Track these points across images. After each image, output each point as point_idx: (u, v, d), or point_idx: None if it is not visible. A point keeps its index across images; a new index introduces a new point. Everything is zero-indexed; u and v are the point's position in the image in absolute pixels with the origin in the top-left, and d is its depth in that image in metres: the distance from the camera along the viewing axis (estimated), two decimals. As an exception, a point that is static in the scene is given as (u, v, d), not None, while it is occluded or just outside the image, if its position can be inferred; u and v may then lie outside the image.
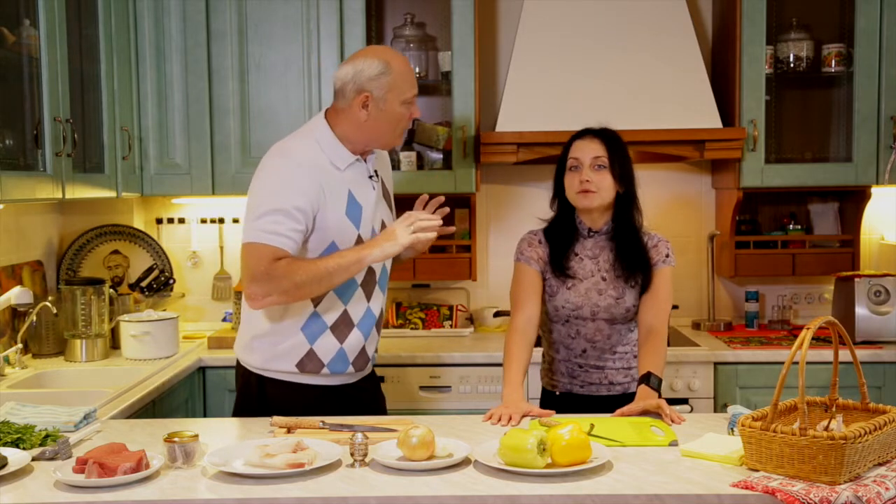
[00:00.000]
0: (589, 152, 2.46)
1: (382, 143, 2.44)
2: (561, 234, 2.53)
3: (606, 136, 2.49)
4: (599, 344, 2.52)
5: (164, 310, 3.50)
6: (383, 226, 2.46)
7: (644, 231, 2.53)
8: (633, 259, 2.48)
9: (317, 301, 2.39)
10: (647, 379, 2.34)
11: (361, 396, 2.53)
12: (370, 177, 2.45)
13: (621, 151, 2.49)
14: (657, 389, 2.34)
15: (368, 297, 2.45)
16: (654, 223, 2.54)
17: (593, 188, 2.45)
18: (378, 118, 2.36)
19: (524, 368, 2.45)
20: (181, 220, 3.89)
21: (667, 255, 2.51)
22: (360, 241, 2.37)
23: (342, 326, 2.42)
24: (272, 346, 2.42)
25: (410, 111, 2.40)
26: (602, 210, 2.49)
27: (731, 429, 2.09)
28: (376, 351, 2.60)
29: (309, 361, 2.42)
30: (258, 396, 2.46)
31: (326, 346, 2.41)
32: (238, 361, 2.53)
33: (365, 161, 2.44)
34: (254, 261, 2.27)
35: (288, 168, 2.33)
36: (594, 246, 2.51)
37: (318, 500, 1.74)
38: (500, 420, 2.25)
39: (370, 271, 2.44)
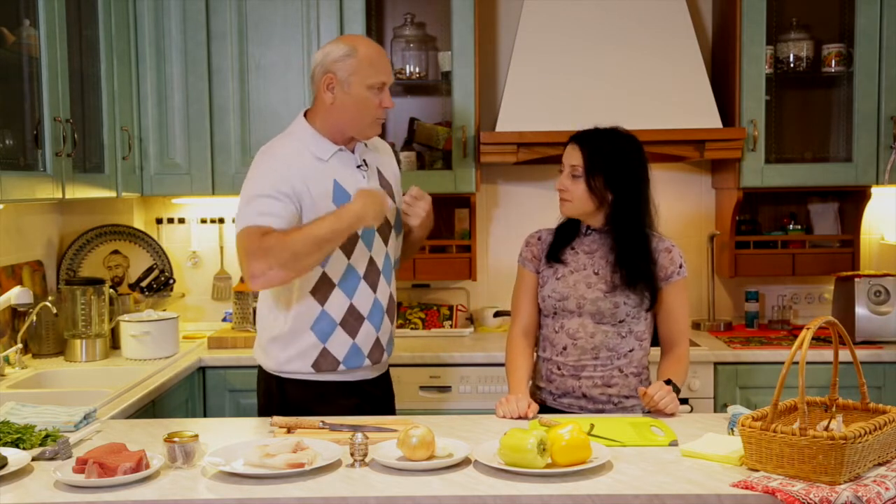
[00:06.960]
0: (569, 159, 2.41)
1: (355, 130, 2.43)
2: (564, 230, 2.51)
3: (590, 143, 2.39)
4: (581, 342, 2.40)
5: (164, 310, 3.50)
6: None
7: (655, 235, 2.44)
8: (633, 263, 2.37)
9: (322, 298, 2.40)
10: (667, 382, 2.32)
11: (377, 393, 2.55)
12: (358, 166, 2.45)
13: (609, 157, 2.38)
14: (676, 392, 2.32)
15: (374, 289, 2.45)
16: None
17: (567, 196, 2.41)
18: (344, 101, 2.38)
19: (528, 375, 2.46)
20: (181, 220, 3.89)
21: (680, 266, 2.42)
22: None
23: (351, 321, 2.43)
24: (286, 348, 2.44)
25: (380, 99, 2.39)
26: (591, 213, 2.42)
27: (731, 429, 2.09)
28: (392, 342, 2.60)
29: (324, 360, 2.43)
30: (279, 398, 2.47)
31: (339, 343, 2.43)
32: (259, 365, 2.56)
33: (352, 151, 2.46)
34: (246, 241, 2.27)
35: (271, 162, 2.38)
36: (591, 242, 2.45)
37: (318, 500, 1.74)
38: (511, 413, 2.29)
39: (372, 262, 2.44)
